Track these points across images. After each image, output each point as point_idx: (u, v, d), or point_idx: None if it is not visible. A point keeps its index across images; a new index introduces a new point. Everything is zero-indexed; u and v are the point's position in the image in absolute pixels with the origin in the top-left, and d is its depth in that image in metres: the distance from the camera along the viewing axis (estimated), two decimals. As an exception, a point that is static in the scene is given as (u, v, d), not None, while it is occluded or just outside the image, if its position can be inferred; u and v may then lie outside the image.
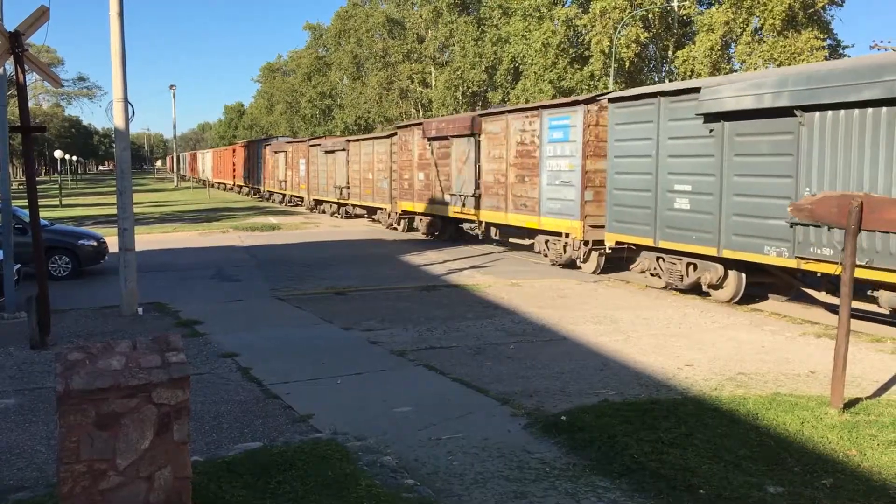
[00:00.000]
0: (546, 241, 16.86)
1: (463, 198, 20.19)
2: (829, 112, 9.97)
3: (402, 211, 24.88)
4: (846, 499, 4.80)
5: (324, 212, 34.52)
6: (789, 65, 31.84)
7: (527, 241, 18.73)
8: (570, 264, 16.14)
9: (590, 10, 40.25)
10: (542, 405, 6.83)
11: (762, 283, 12.34)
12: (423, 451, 5.78)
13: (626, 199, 13.86)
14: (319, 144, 33.97)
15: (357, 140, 29.72)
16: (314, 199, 35.39)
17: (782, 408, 6.46)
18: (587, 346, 9.31)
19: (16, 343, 9.58)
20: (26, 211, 11.71)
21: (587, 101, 15.26)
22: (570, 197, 15.52)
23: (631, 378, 7.79)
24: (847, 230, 6.55)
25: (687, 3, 39.69)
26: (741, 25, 37.21)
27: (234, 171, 56.03)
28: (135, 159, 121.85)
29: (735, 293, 12.15)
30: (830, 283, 10.78)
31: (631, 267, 14.61)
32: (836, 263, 9.50)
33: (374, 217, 29.17)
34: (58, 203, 42.16)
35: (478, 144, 19.34)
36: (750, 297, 12.42)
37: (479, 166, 19.36)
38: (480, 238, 20.95)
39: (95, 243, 16.35)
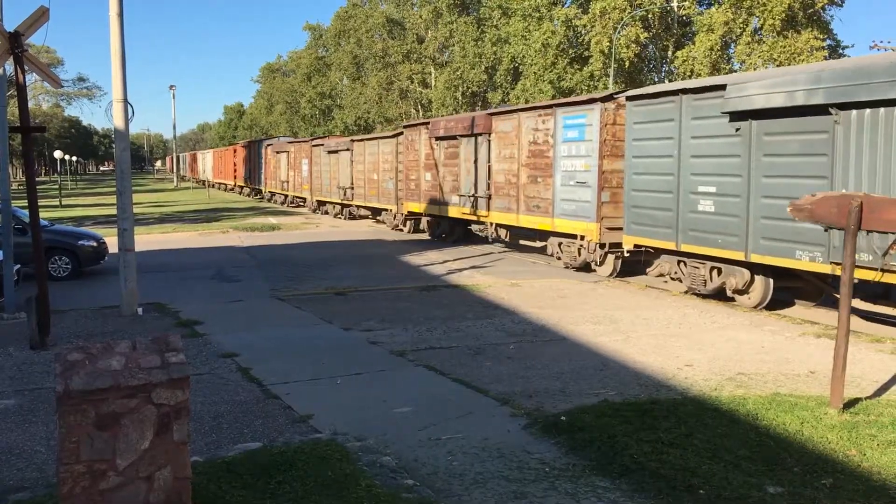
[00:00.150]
0: (559, 244, 16.47)
1: (472, 199, 19.70)
2: (868, 110, 9.50)
3: (409, 212, 24.49)
4: (846, 499, 4.80)
5: (327, 213, 34.08)
6: (789, 65, 31.83)
7: (538, 244, 18.24)
8: (585, 267, 15.74)
9: (589, 10, 40.26)
10: (541, 405, 6.83)
11: (789, 287, 11.87)
12: (423, 452, 5.78)
13: (645, 200, 13.44)
14: (323, 144, 33.50)
15: (362, 140, 29.26)
16: (317, 200, 34.94)
17: (782, 408, 6.46)
18: (587, 346, 9.31)
19: (15, 343, 9.58)
20: (26, 211, 11.71)
21: (604, 99, 14.82)
22: (586, 198, 15.08)
23: (631, 378, 7.79)
24: (847, 230, 6.55)
25: (687, 3, 39.70)
26: (741, 26, 37.22)
27: (235, 171, 55.70)
28: (134, 160, 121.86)
29: (762, 299, 11.70)
30: (870, 290, 10.33)
31: (648, 270, 14.25)
32: (876, 269, 9.24)
33: (378, 218, 28.85)
34: (57, 203, 42.17)
35: (488, 144, 18.92)
36: (775, 302, 11.94)
37: (489, 166, 18.90)
38: (490, 240, 20.39)
39: (95, 244, 16.35)
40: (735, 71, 37.02)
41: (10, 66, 10.47)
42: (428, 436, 6.12)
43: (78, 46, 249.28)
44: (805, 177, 10.38)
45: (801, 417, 6.21)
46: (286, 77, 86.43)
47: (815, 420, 6.17)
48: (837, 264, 9.76)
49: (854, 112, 9.71)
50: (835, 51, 37.87)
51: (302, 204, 38.71)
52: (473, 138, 19.58)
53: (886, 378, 7.76)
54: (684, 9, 40.12)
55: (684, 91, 12.52)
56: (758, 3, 35.66)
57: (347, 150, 29.44)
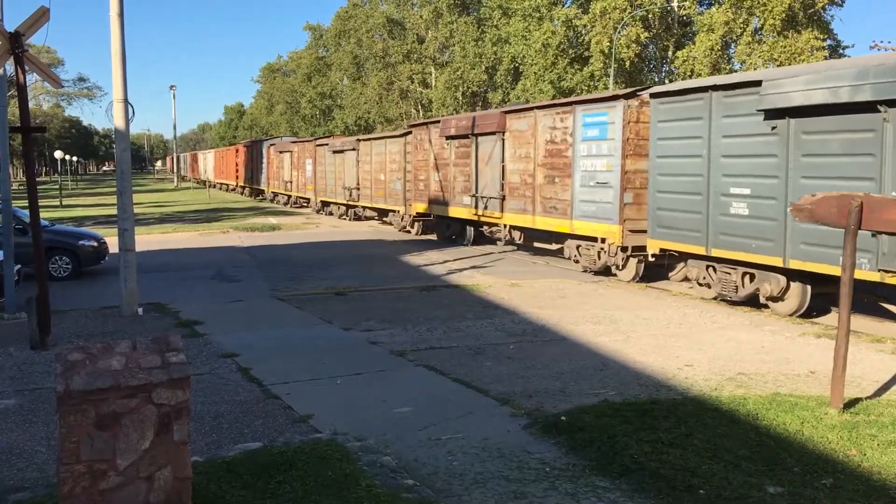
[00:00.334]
0: (577, 247, 15.81)
1: (485, 200, 19.05)
2: None
3: (417, 213, 23.93)
4: (846, 499, 4.80)
5: (331, 213, 33.43)
6: (789, 65, 31.81)
7: (553, 246, 17.51)
8: (605, 271, 15.12)
9: (590, 10, 40.30)
10: (541, 405, 6.84)
11: (825, 294, 11.11)
12: (423, 452, 5.78)
13: (671, 202, 12.82)
14: (328, 144, 32.86)
15: (368, 139, 28.56)
16: (321, 201, 34.35)
17: (782, 408, 6.45)
18: (587, 346, 9.31)
19: (16, 343, 9.58)
20: (27, 211, 11.71)
21: (627, 96, 14.18)
22: (608, 199, 14.41)
23: (631, 378, 7.79)
24: (847, 230, 6.55)
25: (687, 3, 39.73)
26: (741, 26, 37.26)
27: (237, 171, 55.37)
28: (135, 160, 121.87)
29: (799, 306, 11.12)
30: None
31: (670, 275, 13.82)
32: None
33: (385, 220, 28.31)
34: (58, 203, 42.19)
35: (502, 143, 18.25)
36: (809, 308, 11.36)
37: (502, 166, 18.23)
38: (504, 243, 19.79)
39: (96, 244, 16.35)
40: (735, 71, 37.03)
41: (10, 67, 10.48)
42: (428, 436, 6.12)
43: (78, 46, 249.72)
44: (849, 178, 9.72)
45: (802, 417, 6.21)
46: (286, 77, 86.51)
47: (816, 420, 6.17)
48: (888, 272, 9.38)
49: None
50: (835, 51, 37.91)
51: (305, 205, 38.26)
52: (486, 137, 19.02)
53: (887, 378, 7.75)
54: (685, 9, 40.16)
55: (714, 88, 11.92)
56: (758, 3, 35.69)
57: (353, 149, 28.81)
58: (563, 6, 44.03)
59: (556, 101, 18.22)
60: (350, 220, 30.94)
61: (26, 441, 6.12)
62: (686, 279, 13.30)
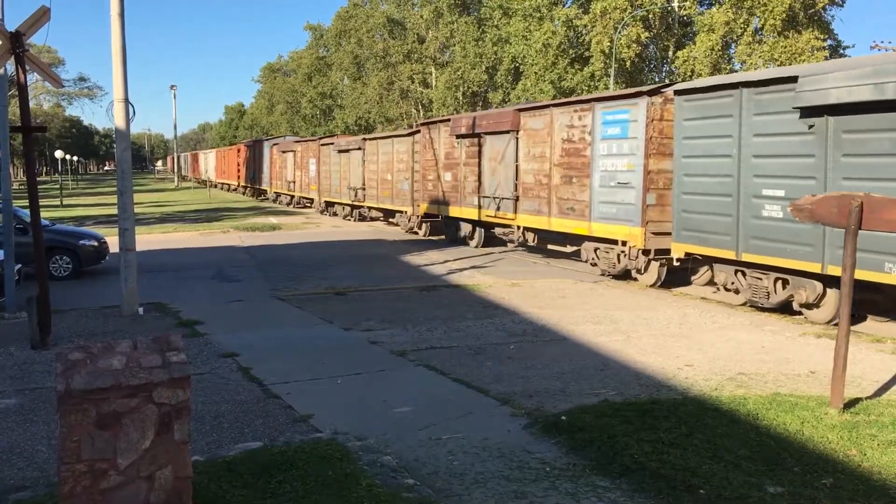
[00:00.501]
0: (595, 250, 15.23)
1: (498, 200, 18.42)
2: None
3: (425, 214, 23.28)
4: (846, 499, 4.80)
5: (335, 214, 32.91)
6: (790, 65, 31.81)
7: (568, 249, 16.70)
8: (625, 275, 14.56)
9: (590, 10, 40.30)
10: (542, 405, 6.84)
11: (862, 300, 10.31)
12: (424, 451, 5.78)
13: (698, 204, 12.28)
14: (332, 143, 32.24)
15: (375, 139, 27.89)
16: (325, 201, 33.84)
17: (782, 408, 6.46)
18: (587, 346, 9.31)
19: (16, 343, 9.59)
20: (27, 211, 11.71)
21: (650, 93, 13.61)
22: (629, 200, 13.81)
23: (631, 378, 7.80)
24: (847, 230, 6.55)
25: (687, 3, 39.72)
26: (741, 26, 37.25)
27: (239, 171, 55.13)
28: (135, 159, 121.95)
29: (836, 313, 10.10)
30: None
31: (693, 279, 13.46)
32: None
33: (391, 220, 27.89)
34: (58, 203, 42.19)
35: (515, 142, 17.60)
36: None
37: (516, 166, 17.62)
38: (517, 244, 19.47)
39: (96, 243, 16.36)
40: (735, 71, 37.04)
41: (11, 66, 10.49)
42: (428, 435, 6.13)
43: (79, 46, 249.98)
44: None
45: (802, 417, 6.22)
46: (287, 77, 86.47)
47: (816, 420, 6.17)
48: None
49: None
50: (835, 51, 37.92)
51: (309, 205, 37.72)
52: (499, 136, 18.42)
53: (887, 378, 7.76)
54: (685, 9, 40.15)
55: (745, 84, 11.34)
56: (759, 3, 35.69)
57: (359, 149, 28.26)
58: (564, 6, 44.02)
59: (574, 99, 17.60)
60: (355, 220, 30.43)
61: (27, 440, 6.12)
62: (710, 283, 12.95)
